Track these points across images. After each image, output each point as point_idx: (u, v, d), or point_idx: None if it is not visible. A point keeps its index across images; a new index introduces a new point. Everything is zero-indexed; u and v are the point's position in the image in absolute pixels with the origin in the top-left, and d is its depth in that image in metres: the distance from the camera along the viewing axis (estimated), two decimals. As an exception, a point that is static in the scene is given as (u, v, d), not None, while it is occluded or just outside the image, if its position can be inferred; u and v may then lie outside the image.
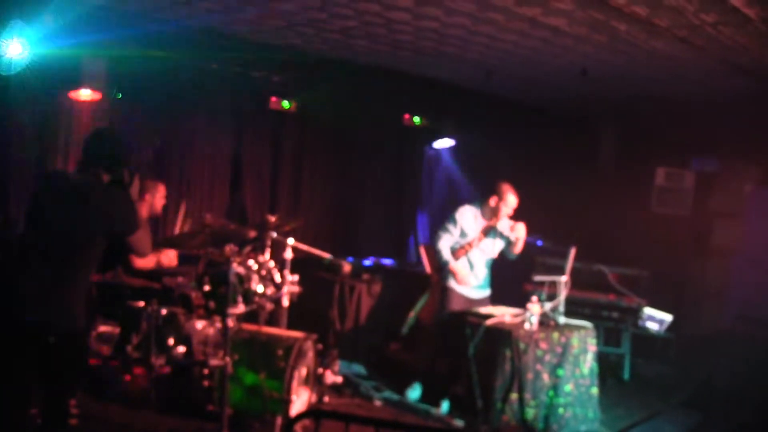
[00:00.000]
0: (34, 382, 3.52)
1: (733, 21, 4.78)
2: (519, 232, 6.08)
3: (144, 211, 5.63)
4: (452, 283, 6.23)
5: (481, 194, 6.29)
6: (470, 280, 6.22)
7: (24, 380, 3.49)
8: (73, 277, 3.52)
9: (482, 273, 6.33)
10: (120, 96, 6.02)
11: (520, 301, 6.08)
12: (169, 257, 5.47)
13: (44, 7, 5.02)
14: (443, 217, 6.38)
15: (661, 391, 7.37)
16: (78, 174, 3.66)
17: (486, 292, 6.39)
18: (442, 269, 6.30)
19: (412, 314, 6.61)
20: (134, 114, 6.42)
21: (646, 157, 9.11)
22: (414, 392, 6.12)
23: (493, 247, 6.28)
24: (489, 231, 6.18)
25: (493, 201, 6.11)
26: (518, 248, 6.20)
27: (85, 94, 5.87)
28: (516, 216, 6.19)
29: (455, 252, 6.16)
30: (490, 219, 6.17)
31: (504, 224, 6.16)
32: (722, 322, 8.82)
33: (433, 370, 6.32)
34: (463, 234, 6.15)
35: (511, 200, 6.10)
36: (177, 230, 5.96)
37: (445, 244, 6.15)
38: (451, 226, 6.15)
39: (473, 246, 6.13)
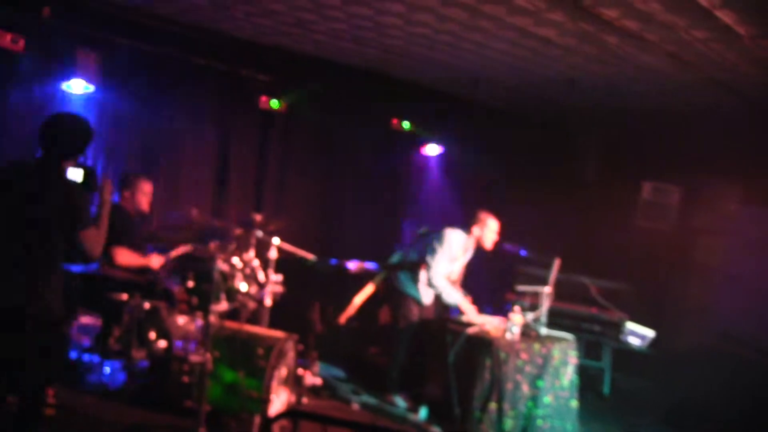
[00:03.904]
0: (10, 371, 3.49)
1: (724, 38, 4.82)
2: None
3: (129, 207, 5.62)
4: (408, 289, 6.25)
5: (466, 210, 6.34)
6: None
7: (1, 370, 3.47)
8: (40, 266, 3.47)
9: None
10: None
11: (502, 310, 6.10)
12: (158, 261, 5.45)
13: None
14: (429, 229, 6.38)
15: (640, 406, 7.40)
16: (33, 164, 3.57)
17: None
18: (398, 274, 6.31)
19: (352, 310, 6.61)
20: (123, 107, 6.40)
21: (632, 171, 9.16)
22: (422, 413, 6.06)
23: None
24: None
25: (476, 230, 6.20)
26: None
27: (77, 85, 5.85)
28: (501, 224, 6.24)
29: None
30: (472, 246, 6.29)
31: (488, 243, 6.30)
32: (702, 339, 8.87)
33: (409, 375, 6.32)
34: (451, 258, 6.19)
35: (492, 225, 6.22)
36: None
37: (443, 269, 6.12)
38: (445, 250, 6.12)
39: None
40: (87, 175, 3.63)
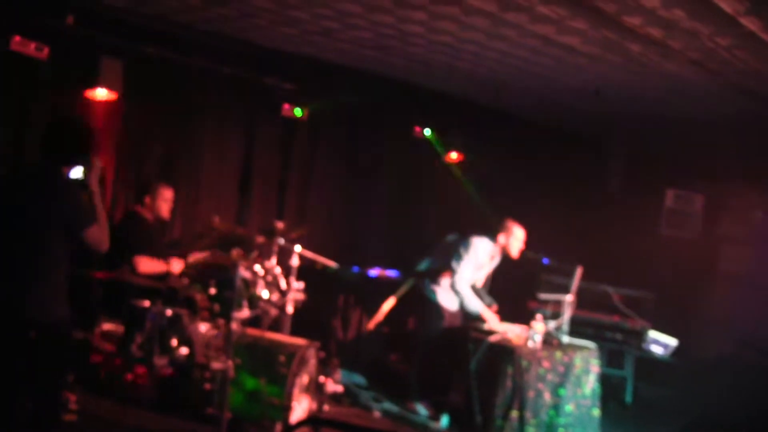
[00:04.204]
0: (22, 376, 3.49)
1: (749, 45, 4.78)
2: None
3: (148, 214, 5.66)
4: (435, 296, 6.25)
5: (490, 218, 6.34)
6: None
7: (9, 375, 3.47)
8: (42, 270, 3.48)
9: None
10: None
11: (524, 318, 6.07)
12: (178, 266, 5.49)
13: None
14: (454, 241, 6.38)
15: (663, 415, 7.33)
16: (35, 167, 3.59)
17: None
18: (426, 281, 6.30)
19: (380, 317, 6.62)
20: (147, 115, 6.45)
21: (656, 179, 9.09)
22: (444, 420, 6.05)
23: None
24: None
25: (502, 238, 6.19)
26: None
27: (100, 93, 5.91)
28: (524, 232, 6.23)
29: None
30: (498, 254, 6.28)
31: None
32: (726, 348, 8.77)
33: (430, 383, 6.31)
34: (477, 266, 6.18)
35: (519, 234, 6.20)
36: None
37: (468, 276, 6.12)
38: (471, 258, 6.12)
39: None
40: (87, 174, 3.63)
